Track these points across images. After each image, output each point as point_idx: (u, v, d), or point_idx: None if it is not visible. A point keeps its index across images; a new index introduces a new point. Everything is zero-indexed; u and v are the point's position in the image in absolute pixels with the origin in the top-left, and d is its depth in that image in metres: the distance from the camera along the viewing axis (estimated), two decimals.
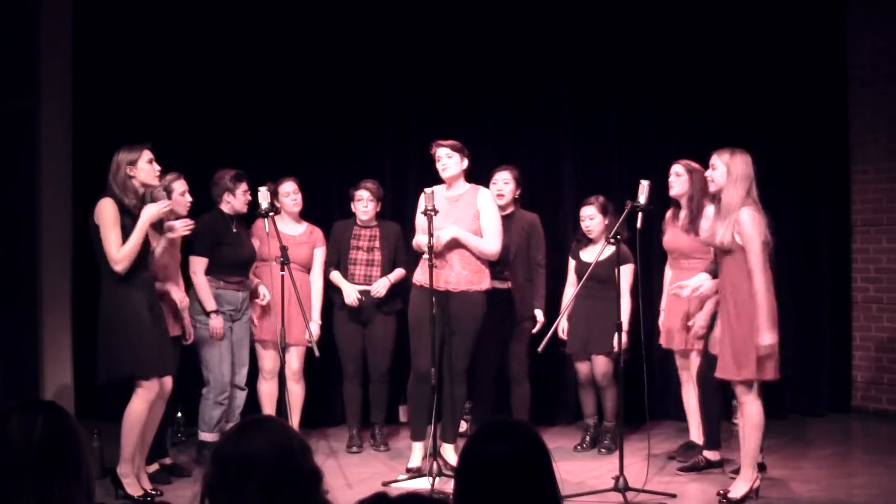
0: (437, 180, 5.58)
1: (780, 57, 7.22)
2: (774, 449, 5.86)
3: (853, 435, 6.96)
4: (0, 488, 2.11)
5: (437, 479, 5.13)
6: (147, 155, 4.88)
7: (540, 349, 5.28)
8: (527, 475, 2.11)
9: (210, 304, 5.60)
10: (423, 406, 5.38)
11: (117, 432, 4.89)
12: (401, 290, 6.16)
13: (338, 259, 6.22)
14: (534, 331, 6.05)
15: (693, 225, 5.60)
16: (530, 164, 7.15)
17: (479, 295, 5.46)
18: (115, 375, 4.89)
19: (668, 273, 5.90)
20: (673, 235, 5.78)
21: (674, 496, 4.96)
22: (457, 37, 7.16)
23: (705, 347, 5.36)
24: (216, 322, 5.59)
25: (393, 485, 5.26)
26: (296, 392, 6.03)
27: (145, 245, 4.90)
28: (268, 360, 6.03)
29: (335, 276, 6.18)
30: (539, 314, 6.06)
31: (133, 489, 4.87)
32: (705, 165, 5.12)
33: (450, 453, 5.49)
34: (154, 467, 5.29)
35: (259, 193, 5.41)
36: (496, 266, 5.89)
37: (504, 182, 6.04)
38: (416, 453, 5.54)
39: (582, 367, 6.16)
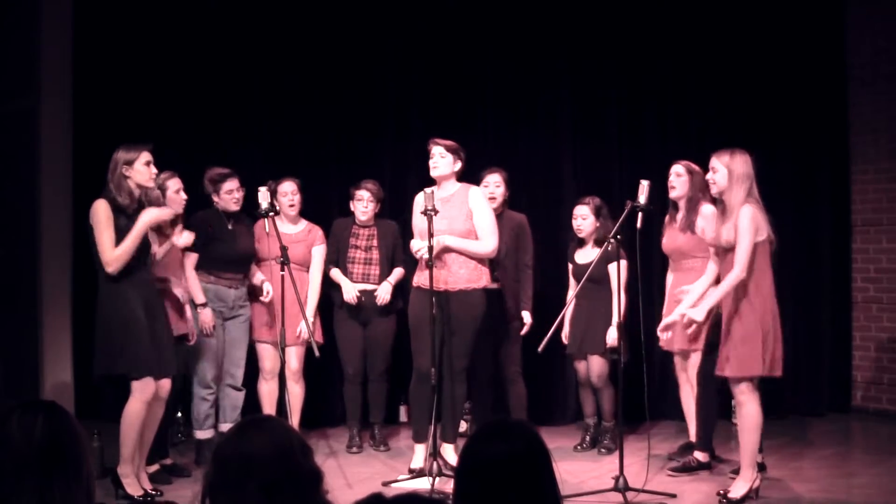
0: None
1: (781, 57, 7.23)
2: (774, 449, 5.86)
3: (853, 435, 6.96)
4: (0, 488, 2.11)
5: (438, 479, 5.13)
6: (145, 157, 4.87)
7: (540, 349, 5.28)
8: (527, 475, 2.11)
9: (199, 298, 5.61)
10: (426, 407, 5.38)
11: (117, 432, 4.89)
12: (401, 289, 6.16)
13: (337, 257, 6.22)
14: (522, 332, 6.05)
15: (690, 224, 5.61)
16: (530, 164, 7.16)
17: (477, 293, 5.46)
18: (110, 372, 4.89)
19: (670, 277, 5.90)
20: (671, 236, 5.78)
21: (674, 496, 4.96)
22: (457, 37, 7.16)
23: (706, 346, 5.36)
24: (205, 315, 5.59)
25: (393, 485, 5.26)
26: (295, 392, 6.03)
27: (145, 245, 4.90)
28: (268, 360, 6.03)
29: (335, 273, 6.18)
30: (526, 316, 6.05)
31: (133, 489, 4.87)
32: (705, 165, 5.12)
33: (450, 453, 5.49)
34: (154, 467, 5.29)
35: (259, 193, 5.40)
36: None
37: (496, 185, 6.04)
38: (419, 454, 5.54)
39: (581, 368, 6.17)
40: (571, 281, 6.19)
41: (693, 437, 5.73)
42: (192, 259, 5.65)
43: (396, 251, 6.22)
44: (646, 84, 7.22)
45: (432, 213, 5.20)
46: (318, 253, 6.18)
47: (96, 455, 5.23)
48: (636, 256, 5.22)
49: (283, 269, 5.29)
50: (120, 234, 4.77)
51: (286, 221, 6.09)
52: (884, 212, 7.17)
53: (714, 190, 4.98)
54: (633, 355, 5.85)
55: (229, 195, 5.78)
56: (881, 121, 7.17)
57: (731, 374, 4.86)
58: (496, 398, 6.16)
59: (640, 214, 5.09)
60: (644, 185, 5.12)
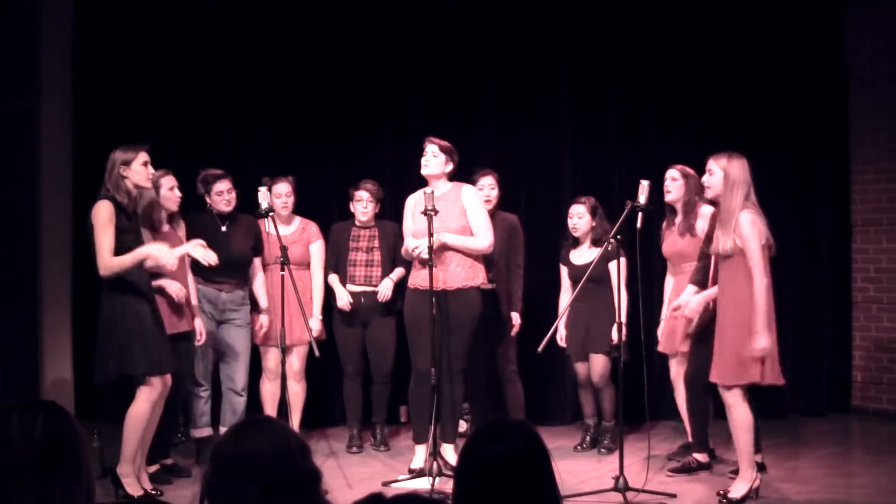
0: None
1: (781, 57, 7.23)
2: (774, 449, 5.86)
3: (853, 435, 6.97)
4: (0, 488, 2.11)
5: (437, 479, 5.13)
6: (143, 157, 4.86)
7: (540, 350, 5.28)
8: (526, 475, 2.11)
9: (193, 301, 5.57)
10: (425, 408, 5.38)
11: (117, 432, 4.89)
12: (401, 289, 6.16)
13: (336, 261, 6.22)
14: (513, 333, 6.05)
15: (689, 227, 5.61)
16: (530, 164, 7.17)
17: (474, 291, 5.47)
18: (115, 375, 4.88)
19: (670, 281, 5.90)
20: (670, 241, 5.78)
21: (674, 496, 4.96)
22: (457, 37, 7.16)
23: (692, 349, 5.37)
24: (196, 324, 5.57)
25: (393, 485, 5.27)
26: (296, 392, 6.03)
27: (139, 244, 4.88)
28: (271, 360, 6.02)
29: (332, 279, 6.19)
30: (515, 317, 6.05)
31: (133, 489, 4.87)
32: (705, 166, 5.11)
33: (450, 453, 5.49)
34: (155, 467, 5.28)
35: (259, 193, 5.39)
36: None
37: (490, 187, 6.04)
38: (419, 455, 5.54)
39: (581, 368, 6.16)
40: (566, 283, 6.18)
41: (691, 438, 5.73)
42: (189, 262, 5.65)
43: (398, 252, 6.22)
44: (646, 84, 7.22)
45: (432, 213, 5.20)
46: (317, 249, 6.17)
47: (96, 455, 5.23)
48: (636, 256, 5.22)
49: (283, 270, 5.28)
50: (121, 234, 4.77)
51: (279, 222, 6.07)
52: (884, 212, 7.17)
53: (709, 193, 4.97)
54: (633, 355, 5.86)
55: (220, 196, 5.75)
56: (881, 121, 7.17)
57: (717, 381, 4.86)
58: (494, 398, 6.16)
59: (640, 214, 5.09)
60: (644, 185, 5.12)
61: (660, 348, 5.90)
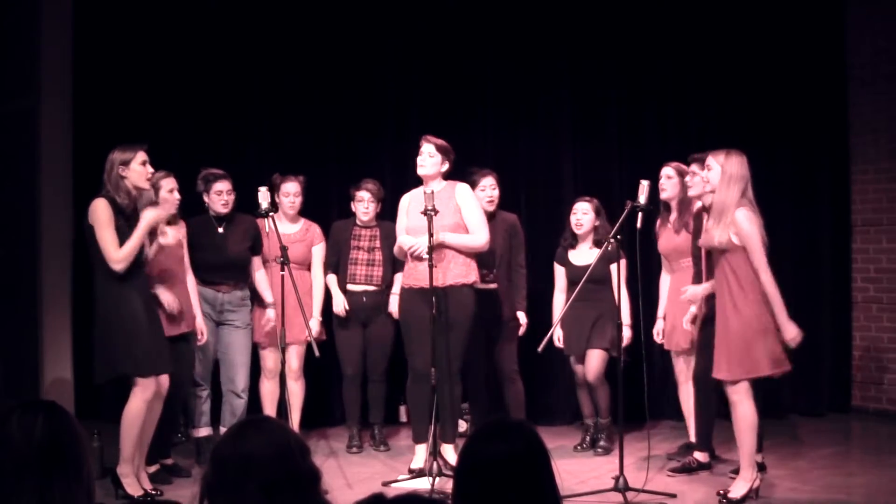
0: None
1: (781, 57, 7.23)
2: (774, 449, 5.86)
3: (853, 435, 6.97)
4: (0, 488, 2.11)
5: (437, 478, 5.13)
6: (141, 157, 4.86)
7: (540, 350, 5.29)
8: (526, 475, 2.11)
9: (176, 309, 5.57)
10: (424, 407, 5.39)
11: (117, 432, 4.89)
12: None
13: (336, 260, 6.22)
14: (521, 332, 6.05)
15: (685, 224, 5.62)
16: (530, 164, 7.17)
17: (468, 289, 5.48)
18: (113, 374, 4.89)
19: (665, 279, 5.90)
20: (667, 238, 5.79)
21: (674, 496, 4.96)
22: (457, 37, 7.16)
23: (700, 347, 5.37)
24: (197, 325, 5.56)
25: (393, 485, 5.27)
26: (295, 390, 6.02)
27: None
28: (270, 359, 6.02)
29: (331, 280, 6.19)
30: (522, 316, 6.06)
31: (133, 489, 4.87)
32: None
33: (450, 453, 5.48)
34: (155, 467, 5.28)
35: (259, 193, 5.39)
36: (482, 268, 5.92)
37: (492, 187, 6.04)
38: (420, 454, 5.54)
39: (580, 369, 6.15)
40: (561, 283, 6.15)
41: (693, 438, 5.73)
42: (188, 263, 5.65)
43: None
44: (646, 84, 7.22)
45: (432, 214, 5.20)
46: (319, 251, 6.18)
47: (96, 455, 5.23)
48: (636, 256, 5.22)
49: (283, 270, 5.28)
50: (118, 235, 4.77)
51: (285, 220, 6.08)
52: (884, 212, 7.17)
53: (707, 187, 4.96)
54: (633, 355, 5.87)
55: (218, 196, 5.74)
56: (881, 121, 7.18)
57: (724, 377, 4.86)
58: (494, 398, 6.16)
59: (640, 214, 5.09)
60: (644, 185, 5.13)
61: (666, 346, 5.90)
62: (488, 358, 6.07)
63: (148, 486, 4.99)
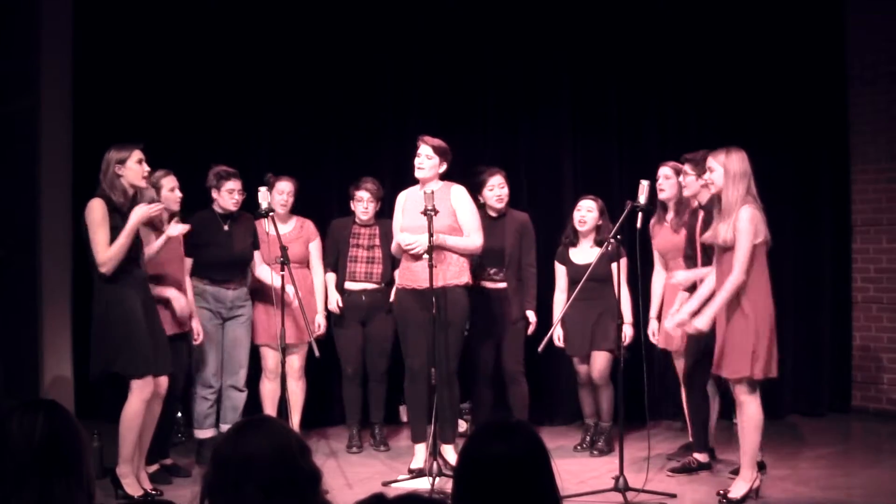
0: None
1: (781, 57, 7.23)
2: (774, 449, 5.86)
3: (853, 435, 6.96)
4: (0, 488, 2.11)
5: (438, 478, 5.13)
6: (137, 155, 4.86)
7: (540, 349, 5.29)
8: (526, 475, 2.11)
9: (186, 312, 5.57)
10: (422, 407, 5.40)
11: (117, 432, 4.89)
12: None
13: (335, 258, 6.22)
14: (529, 332, 6.05)
15: (683, 224, 5.62)
16: (530, 164, 7.16)
17: (462, 290, 5.48)
18: (106, 371, 4.89)
19: (659, 279, 5.91)
20: (664, 237, 5.78)
21: (674, 496, 4.96)
22: (457, 37, 7.16)
23: (689, 348, 5.37)
24: (194, 325, 5.58)
25: (393, 485, 5.27)
26: (296, 390, 6.03)
27: (137, 243, 4.88)
28: (271, 359, 6.02)
29: (329, 279, 6.20)
30: (531, 315, 6.05)
31: (133, 489, 4.87)
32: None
33: (450, 453, 5.49)
34: (155, 467, 5.29)
35: (259, 193, 5.40)
36: (490, 268, 5.91)
37: (500, 186, 6.03)
38: (419, 455, 5.54)
39: (582, 368, 6.15)
40: (561, 283, 6.14)
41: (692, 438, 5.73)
42: (187, 264, 5.64)
43: None
44: (646, 84, 7.22)
45: (432, 213, 5.20)
46: (316, 247, 6.20)
47: (96, 455, 5.23)
48: (636, 256, 5.22)
49: (283, 270, 5.28)
50: (115, 234, 4.77)
51: (277, 220, 6.07)
52: (884, 212, 7.17)
53: (712, 189, 4.96)
54: (633, 355, 5.86)
55: (230, 194, 5.77)
56: (881, 121, 7.17)
57: (728, 375, 4.86)
58: (496, 397, 6.16)
59: (640, 214, 5.09)
60: (644, 185, 5.13)
61: (661, 346, 5.90)
62: (494, 357, 6.07)
63: (148, 486, 4.99)
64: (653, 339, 5.93)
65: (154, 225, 5.29)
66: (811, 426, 6.89)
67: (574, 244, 6.14)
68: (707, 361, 5.11)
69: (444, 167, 5.56)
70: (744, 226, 4.73)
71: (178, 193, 5.47)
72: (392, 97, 7.21)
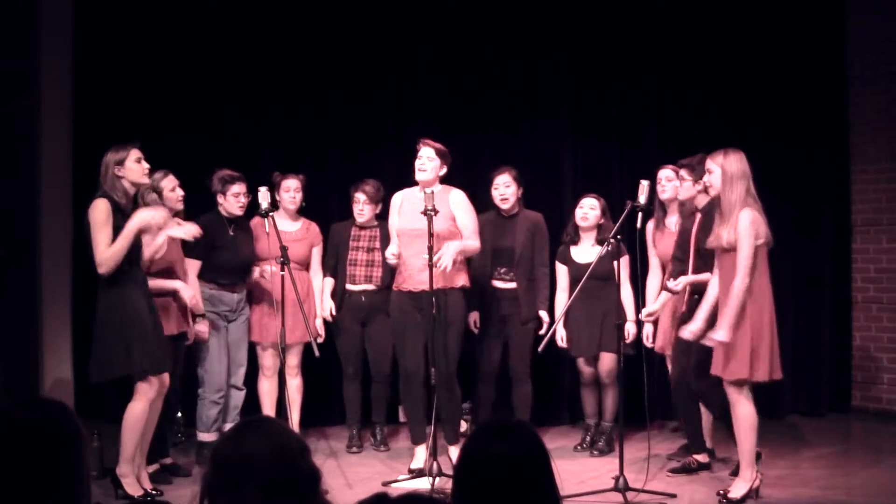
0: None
1: (781, 57, 7.23)
2: (774, 449, 5.86)
3: (853, 435, 6.96)
4: (0, 489, 2.11)
5: (438, 478, 5.13)
6: (135, 154, 4.86)
7: (540, 349, 5.30)
8: (526, 475, 2.11)
9: (199, 308, 5.58)
10: (419, 408, 5.40)
11: (117, 432, 4.88)
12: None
13: (335, 262, 6.22)
14: (541, 332, 6.04)
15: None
16: (530, 164, 7.15)
17: (459, 292, 5.50)
18: (110, 376, 4.88)
19: (653, 281, 5.91)
20: (666, 242, 5.77)
21: (674, 496, 4.96)
22: (457, 36, 7.16)
23: (675, 352, 5.37)
24: (202, 326, 5.59)
25: (393, 485, 5.27)
26: (294, 385, 6.03)
27: (137, 244, 4.88)
28: (267, 357, 6.03)
29: (327, 283, 6.20)
30: (544, 315, 6.02)
31: (133, 489, 4.87)
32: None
33: (455, 454, 5.48)
34: (154, 467, 5.29)
35: (259, 193, 5.41)
36: (500, 267, 5.91)
37: (505, 185, 6.02)
38: (419, 455, 5.55)
39: (586, 368, 6.14)
40: (563, 282, 6.13)
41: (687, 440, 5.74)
42: (194, 266, 5.63)
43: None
44: (646, 84, 7.22)
45: (432, 214, 5.20)
46: (318, 252, 6.20)
47: (97, 455, 5.22)
48: (636, 256, 5.22)
49: (283, 270, 5.28)
50: (117, 234, 4.77)
51: (285, 217, 6.08)
52: (884, 212, 7.17)
53: (711, 192, 4.96)
54: (638, 351, 5.88)
55: (235, 198, 5.78)
56: (881, 121, 7.18)
57: (726, 377, 4.86)
58: (499, 397, 6.15)
59: (639, 214, 5.09)
60: (644, 185, 5.13)
61: (657, 348, 5.90)
62: (500, 357, 6.07)
63: (148, 485, 4.99)
64: (647, 342, 5.93)
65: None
66: (811, 426, 6.89)
67: (575, 242, 6.13)
68: (699, 364, 5.10)
69: (444, 170, 5.57)
70: (744, 229, 4.72)
71: (180, 192, 5.47)
72: (392, 97, 7.21)
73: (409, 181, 5.82)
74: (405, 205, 5.55)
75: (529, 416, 6.05)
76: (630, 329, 5.87)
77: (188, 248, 5.57)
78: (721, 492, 4.93)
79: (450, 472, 5.09)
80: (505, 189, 6.01)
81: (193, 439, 5.92)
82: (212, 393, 5.71)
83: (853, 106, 7.34)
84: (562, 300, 6.10)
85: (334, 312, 6.15)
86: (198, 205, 5.84)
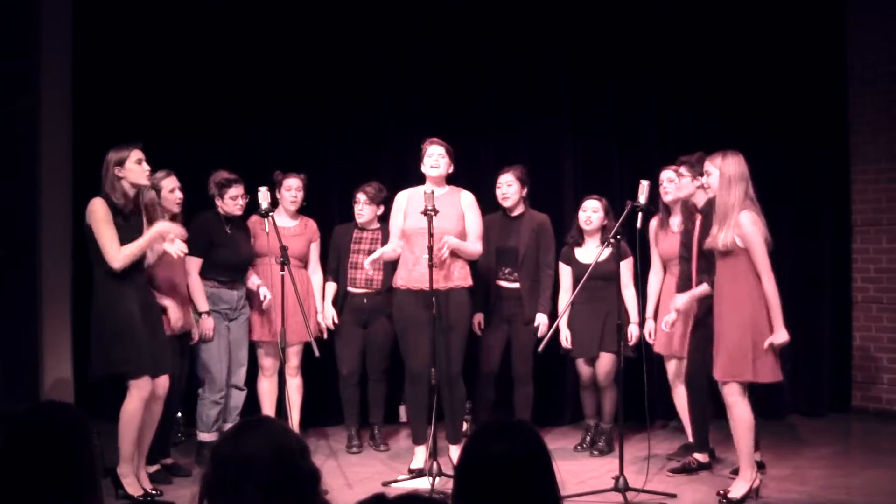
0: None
1: (781, 57, 7.23)
2: (774, 449, 5.86)
3: (853, 435, 6.96)
4: (11, 497, 2.11)
5: (438, 478, 5.13)
6: (136, 155, 4.86)
7: (540, 349, 5.30)
8: (527, 475, 2.11)
9: (202, 305, 5.59)
10: (422, 408, 5.40)
11: (117, 432, 4.88)
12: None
13: (336, 266, 6.21)
14: (539, 334, 6.03)
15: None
16: (530, 164, 7.13)
17: (465, 292, 5.50)
18: (107, 373, 4.89)
19: (655, 279, 5.91)
20: (669, 242, 5.76)
21: (674, 496, 4.96)
22: (457, 36, 7.16)
23: (692, 349, 5.37)
24: (207, 323, 5.59)
25: (393, 485, 5.27)
26: (294, 385, 6.03)
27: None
28: (267, 357, 6.03)
29: (329, 288, 6.19)
30: (542, 318, 5.96)
31: (133, 489, 4.87)
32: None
33: (456, 454, 5.48)
34: (155, 467, 5.29)
35: (259, 193, 5.41)
36: (504, 267, 5.91)
37: (507, 184, 6.02)
38: (419, 455, 5.55)
39: (585, 369, 6.13)
40: (566, 283, 6.12)
41: (691, 439, 5.73)
42: (195, 264, 5.63)
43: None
44: (646, 84, 7.22)
45: (432, 213, 5.20)
46: (316, 249, 6.20)
47: (96, 455, 5.21)
48: (636, 256, 5.22)
49: (282, 269, 5.28)
50: (117, 233, 4.78)
51: (284, 215, 6.08)
52: (884, 212, 7.17)
53: (710, 193, 4.96)
54: (639, 351, 5.88)
55: (233, 200, 5.78)
56: (881, 121, 7.18)
57: (720, 377, 4.86)
58: (500, 397, 6.15)
59: (639, 214, 5.09)
60: (644, 185, 5.12)
61: (656, 349, 5.89)
62: (502, 357, 6.06)
63: (148, 485, 4.99)
64: (649, 340, 5.93)
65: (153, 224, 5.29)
66: (811, 426, 6.89)
67: (579, 244, 6.13)
68: (710, 363, 5.10)
69: (451, 168, 5.58)
70: (750, 231, 4.71)
71: (179, 195, 5.47)
72: (392, 97, 7.21)
73: (410, 181, 5.82)
74: (411, 205, 5.54)
75: (530, 417, 6.05)
76: (633, 331, 5.87)
77: (188, 246, 5.58)
78: (721, 492, 4.93)
79: (450, 472, 5.09)
80: (507, 188, 6.01)
81: (193, 439, 5.92)
82: (212, 393, 5.71)
83: (853, 106, 7.34)
84: (565, 300, 6.09)
85: (336, 321, 6.14)
86: (198, 205, 5.83)
